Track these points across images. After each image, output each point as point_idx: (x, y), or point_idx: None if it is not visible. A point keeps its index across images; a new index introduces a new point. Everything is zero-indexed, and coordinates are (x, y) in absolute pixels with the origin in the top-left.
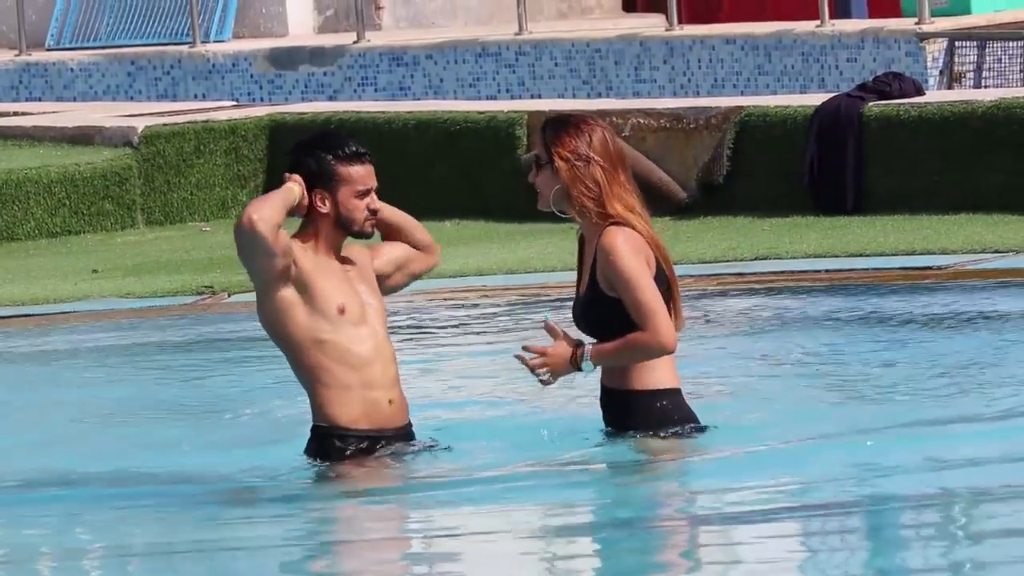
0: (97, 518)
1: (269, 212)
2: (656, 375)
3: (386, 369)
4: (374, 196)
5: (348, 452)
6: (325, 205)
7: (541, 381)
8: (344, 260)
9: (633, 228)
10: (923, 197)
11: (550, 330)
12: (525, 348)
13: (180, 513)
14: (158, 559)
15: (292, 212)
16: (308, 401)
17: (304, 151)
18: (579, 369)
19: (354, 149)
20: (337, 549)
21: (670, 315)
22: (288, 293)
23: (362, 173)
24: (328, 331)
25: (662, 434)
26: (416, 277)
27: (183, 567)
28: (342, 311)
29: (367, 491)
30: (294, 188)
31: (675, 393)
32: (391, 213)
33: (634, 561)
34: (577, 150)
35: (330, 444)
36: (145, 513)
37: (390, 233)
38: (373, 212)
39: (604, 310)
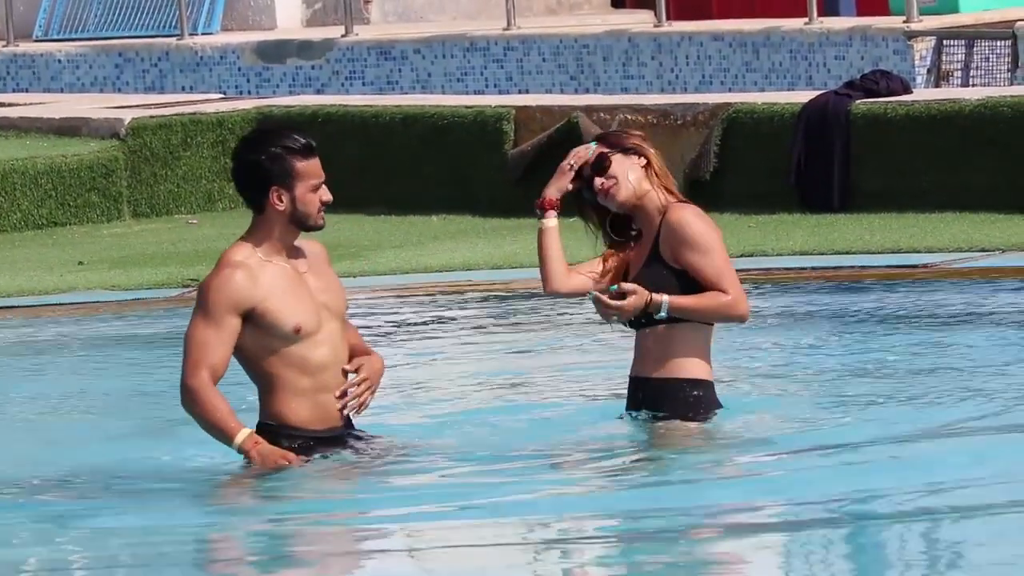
0: (65, 510)
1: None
2: (692, 365)
3: (339, 371)
4: (325, 187)
5: (300, 449)
6: (282, 203)
7: (608, 319)
8: (296, 253)
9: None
10: (910, 195)
11: (624, 290)
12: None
13: (147, 508)
14: (139, 550)
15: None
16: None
17: (256, 150)
18: (651, 313)
19: (304, 142)
20: (294, 552)
21: None
22: (249, 332)
23: (316, 166)
24: (286, 347)
25: (689, 416)
26: None
27: (145, 557)
28: (298, 331)
29: (339, 490)
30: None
31: (709, 385)
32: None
33: (645, 557)
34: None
35: (277, 444)
36: (123, 503)
37: None
38: (325, 204)
39: (666, 281)
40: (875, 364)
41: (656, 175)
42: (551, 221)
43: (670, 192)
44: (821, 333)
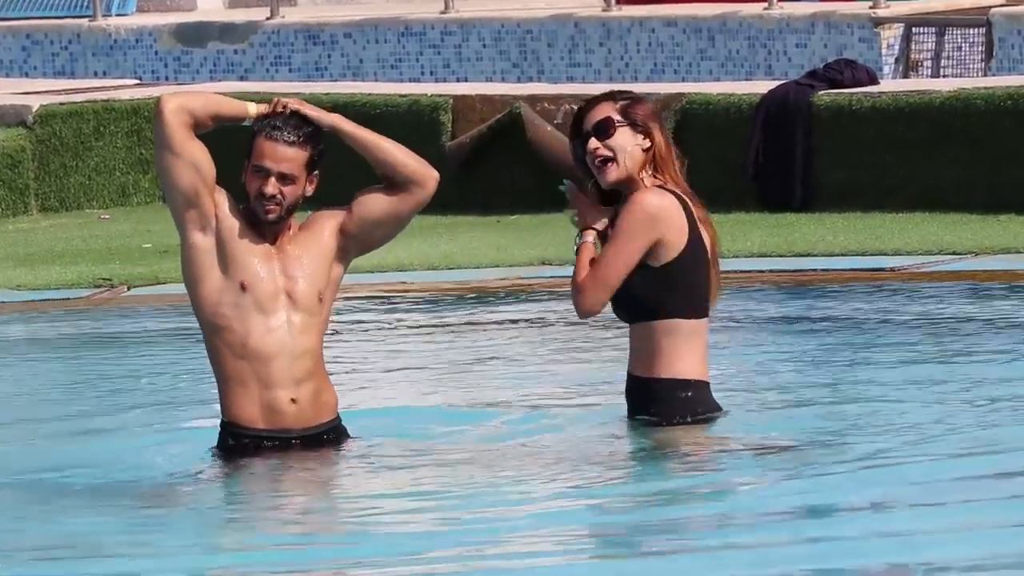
0: None
1: (187, 99)
2: (683, 365)
3: (291, 366)
4: (271, 181)
5: (243, 451)
6: (244, 176)
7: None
8: (278, 235)
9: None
10: (876, 193)
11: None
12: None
13: (56, 511)
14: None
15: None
16: (206, 399)
17: None
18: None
19: (275, 123)
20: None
21: (707, 290)
22: (203, 242)
23: (264, 148)
24: (229, 315)
25: (681, 422)
26: (408, 219)
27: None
28: (244, 288)
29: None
30: (244, 107)
31: (701, 386)
32: (364, 136)
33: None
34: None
35: (223, 440)
36: (28, 509)
37: (373, 164)
38: (262, 197)
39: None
40: (835, 373)
41: (655, 161)
42: (589, 236)
43: (662, 176)
44: (777, 341)
